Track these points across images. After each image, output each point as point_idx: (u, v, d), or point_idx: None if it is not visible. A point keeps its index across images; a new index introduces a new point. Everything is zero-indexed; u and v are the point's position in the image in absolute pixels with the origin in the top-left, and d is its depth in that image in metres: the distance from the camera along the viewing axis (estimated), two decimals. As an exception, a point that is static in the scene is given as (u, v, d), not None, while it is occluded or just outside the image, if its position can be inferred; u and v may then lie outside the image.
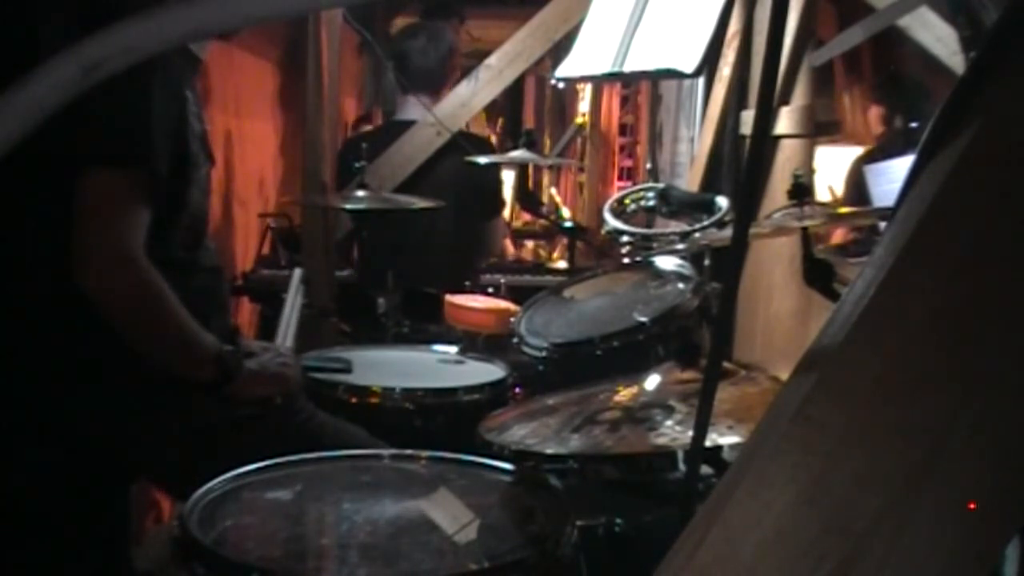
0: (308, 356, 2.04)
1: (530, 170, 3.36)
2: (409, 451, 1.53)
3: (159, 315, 1.54)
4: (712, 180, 2.81)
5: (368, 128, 4.63)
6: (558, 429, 1.50)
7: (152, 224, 1.53)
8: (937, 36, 2.60)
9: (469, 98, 3.22)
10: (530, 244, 5.37)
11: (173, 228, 1.62)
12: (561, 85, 7.23)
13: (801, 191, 1.64)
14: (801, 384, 0.72)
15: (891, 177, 3.44)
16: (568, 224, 3.43)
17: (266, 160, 3.97)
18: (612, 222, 2.36)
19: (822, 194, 3.87)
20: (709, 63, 2.01)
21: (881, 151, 3.99)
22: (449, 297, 2.45)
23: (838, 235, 3.55)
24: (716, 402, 0.93)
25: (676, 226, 2.41)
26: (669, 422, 1.44)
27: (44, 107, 0.60)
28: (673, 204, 2.42)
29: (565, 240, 3.66)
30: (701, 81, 3.04)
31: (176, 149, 1.58)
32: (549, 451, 1.42)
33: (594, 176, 6.57)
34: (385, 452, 1.54)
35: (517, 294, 2.56)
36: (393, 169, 3.07)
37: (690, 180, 2.98)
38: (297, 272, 2.26)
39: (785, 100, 2.46)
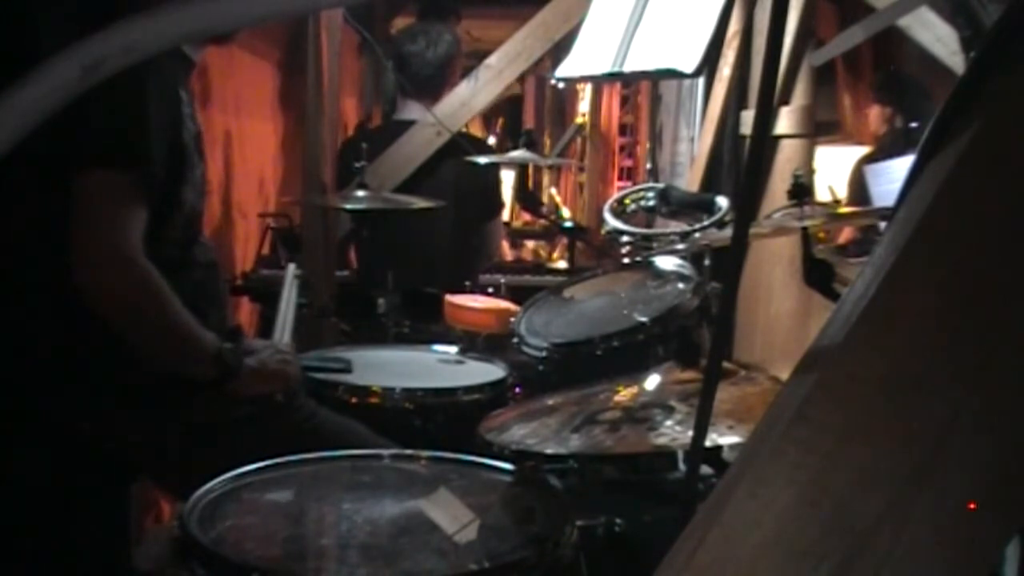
0: (308, 356, 2.04)
1: (530, 170, 3.35)
2: (409, 451, 1.53)
3: (158, 314, 1.54)
4: (712, 180, 2.81)
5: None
6: (558, 429, 1.50)
7: (148, 222, 1.53)
8: (937, 36, 2.60)
9: (469, 98, 3.22)
10: (530, 244, 5.37)
11: (168, 227, 1.62)
12: (561, 85, 7.23)
13: (801, 191, 1.64)
14: (801, 384, 0.72)
15: (891, 177, 3.45)
16: (568, 224, 3.44)
17: (266, 160, 3.97)
18: (612, 222, 2.37)
19: (822, 194, 3.88)
20: (709, 63, 2.01)
21: (881, 151, 4.00)
22: (449, 297, 2.45)
23: (840, 235, 3.56)
24: (716, 402, 0.93)
25: (676, 226, 2.41)
26: (669, 422, 1.44)
27: (44, 107, 0.60)
28: (673, 204, 2.42)
29: (565, 240, 3.67)
30: (701, 81, 3.05)
31: (171, 148, 1.58)
32: (549, 451, 1.42)
33: (594, 176, 6.57)
34: (385, 452, 1.54)
35: (517, 294, 2.55)
36: (393, 169, 3.07)
37: (690, 180, 2.99)
38: (291, 267, 2.25)
39: (785, 100, 2.47)
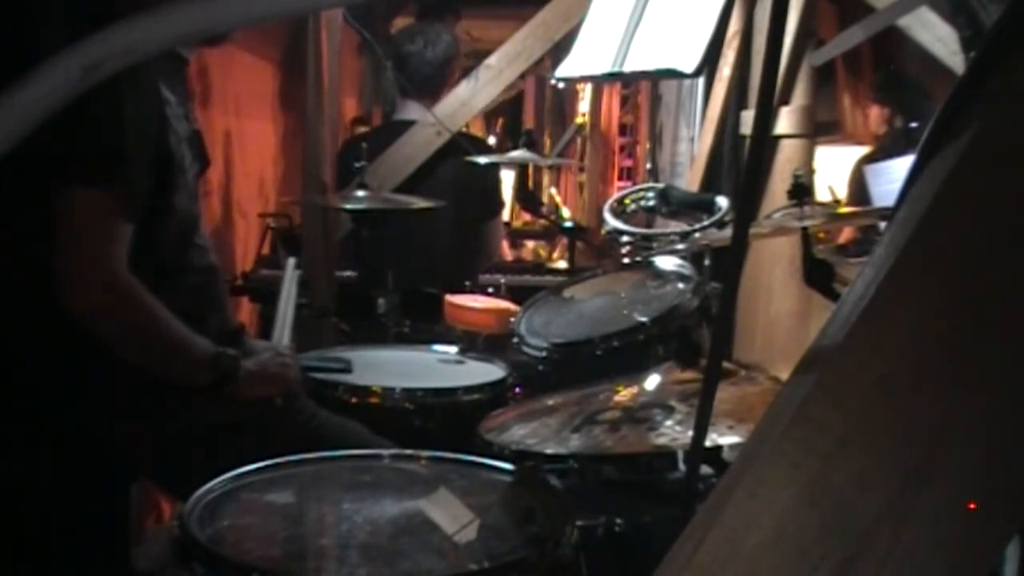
0: (308, 356, 2.04)
1: (530, 170, 3.35)
2: (409, 451, 1.53)
3: (145, 329, 1.54)
4: (712, 180, 2.81)
5: (365, 129, 4.62)
6: (558, 429, 1.50)
7: (137, 231, 1.53)
8: (937, 36, 2.60)
9: (469, 98, 3.22)
10: (530, 244, 5.37)
11: (160, 233, 1.61)
12: (561, 85, 7.23)
13: (801, 191, 1.64)
14: (801, 384, 0.72)
15: (891, 177, 3.45)
16: (568, 224, 3.43)
17: (266, 160, 3.97)
18: (612, 222, 2.36)
19: (822, 194, 3.88)
20: (709, 63, 2.01)
21: (881, 151, 4.00)
22: (449, 297, 2.45)
23: (840, 235, 3.56)
24: (716, 402, 0.93)
25: (676, 226, 2.41)
26: (669, 422, 1.44)
27: (44, 107, 0.60)
28: (673, 204, 2.42)
29: (565, 240, 3.66)
30: (701, 81, 3.04)
31: (156, 156, 1.57)
32: (549, 451, 1.42)
33: (594, 176, 6.57)
34: (385, 452, 1.54)
35: (517, 294, 2.55)
36: (393, 169, 3.07)
37: (690, 180, 2.98)
38: (291, 262, 2.25)
39: (785, 100, 2.46)
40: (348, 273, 3.11)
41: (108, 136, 1.49)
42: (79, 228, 1.48)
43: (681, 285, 2.05)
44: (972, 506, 0.63)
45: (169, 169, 1.60)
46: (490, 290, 2.75)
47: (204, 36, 1.64)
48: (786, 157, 2.43)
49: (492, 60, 3.26)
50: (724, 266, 2.03)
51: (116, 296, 1.50)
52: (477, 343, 2.28)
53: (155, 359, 1.57)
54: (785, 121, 2.45)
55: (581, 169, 6.89)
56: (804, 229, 1.57)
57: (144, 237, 1.55)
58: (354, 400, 1.91)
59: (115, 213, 1.50)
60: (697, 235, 2.16)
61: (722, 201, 2.27)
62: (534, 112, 8.32)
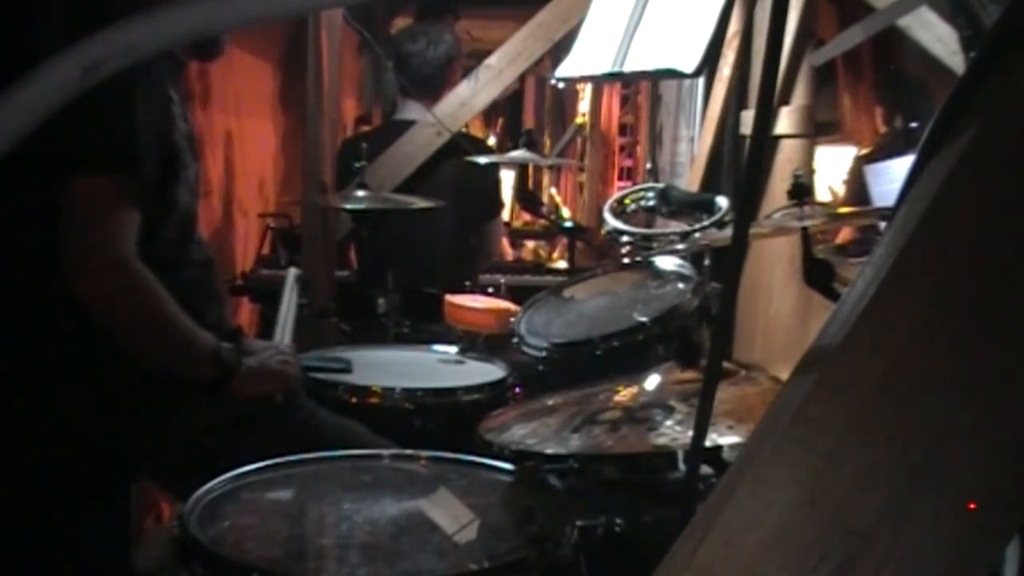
0: (308, 356, 2.04)
1: (530, 170, 3.36)
2: (409, 451, 1.53)
3: (154, 317, 1.54)
4: (712, 180, 2.81)
5: (367, 128, 4.63)
6: (558, 429, 1.50)
7: (142, 224, 1.53)
8: (937, 36, 2.60)
9: (469, 98, 3.22)
10: (530, 244, 5.37)
11: (162, 227, 1.62)
12: (561, 85, 7.23)
13: (801, 191, 1.64)
14: (801, 384, 0.72)
15: (891, 177, 3.45)
16: (568, 224, 3.43)
17: (266, 160, 3.97)
18: (612, 222, 2.36)
19: (822, 194, 3.88)
20: (709, 63, 2.01)
21: (881, 151, 4.00)
22: (449, 297, 2.45)
23: (840, 235, 3.56)
24: (716, 402, 0.93)
25: (676, 226, 2.40)
26: (669, 422, 1.44)
27: (44, 107, 0.60)
28: (673, 204, 2.41)
29: (565, 240, 3.66)
30: (701, 81, 3.04)
31: (162, 149, 1.58)
32: (549, 451, 1.42)
33: (594, 176, 6.57)
34: (385, 452, 1.54)
35: (517, 294, 2.55)
36: (393, 169, 3.07)
37: (690, 180, 2.98)
38: (292, 271, 2.26)
39: (785, 100, 2.46)
40: (348, 273, 3.11)
41: (118, 124, 1.50)
42: (89, 213, 1.49)
43: (681, 285, 2.05)
44: (972, 506, 0.63)
45: (173, 164, 1.61)
46: (490, 290, 2.75)
47: (204, 36, 1.64)
48: (786, 157, 2.43)
49: (492, 60, 3.26)
50: (724, 266, 2.03)
51: (126, 280, 1.51)
52: (477, 343, 2.28)
53: (160, 349, 1.58)
54: (785, 121, 2.45)
55: (581, 169, 6.89)
56: (804, 229, 1.57)
57: (147, 231, 1.55)
58: (354, 400, 1.91)
59: (124, 199, 1.51)
60: (697, 235, 2.16)
61: (722, 201, 2.27)
62: (534, 112, 8.32)
